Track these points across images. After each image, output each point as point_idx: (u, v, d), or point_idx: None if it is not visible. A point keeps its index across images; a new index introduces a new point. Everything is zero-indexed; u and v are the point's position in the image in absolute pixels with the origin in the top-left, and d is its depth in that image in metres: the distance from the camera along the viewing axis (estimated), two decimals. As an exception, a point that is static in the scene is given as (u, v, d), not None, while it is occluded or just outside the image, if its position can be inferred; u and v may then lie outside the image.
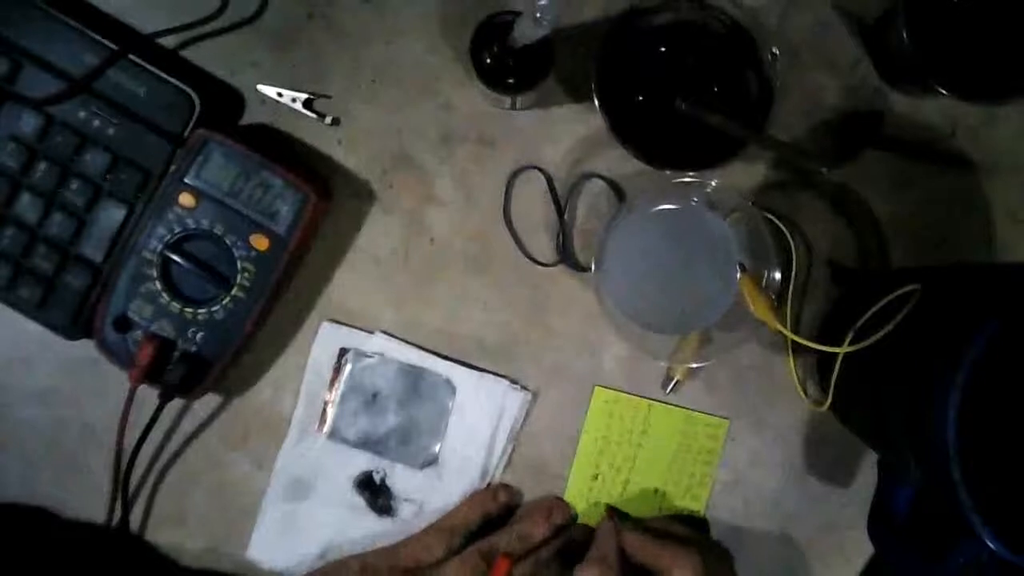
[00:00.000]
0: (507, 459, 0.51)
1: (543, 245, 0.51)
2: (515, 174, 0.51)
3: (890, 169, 0.51)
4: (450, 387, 0.51)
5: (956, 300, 0.41)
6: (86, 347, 0.49)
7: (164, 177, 0.47)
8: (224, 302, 0.47)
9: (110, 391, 0.49)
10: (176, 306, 0.47)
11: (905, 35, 0.44)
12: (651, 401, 0.51)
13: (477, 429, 0.51)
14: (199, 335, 0.48)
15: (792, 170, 0.51)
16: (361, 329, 0.51)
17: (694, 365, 0.50)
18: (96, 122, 0.47)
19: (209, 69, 0.50)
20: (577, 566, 0.45)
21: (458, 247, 0.51)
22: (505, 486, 0.51)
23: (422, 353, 0.51)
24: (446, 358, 0.51)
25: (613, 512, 0.51)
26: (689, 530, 0.50)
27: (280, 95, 0.50)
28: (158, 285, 0.47)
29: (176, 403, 0.50)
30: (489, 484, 0.51)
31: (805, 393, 0.51)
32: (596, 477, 0.51)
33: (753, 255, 0.47)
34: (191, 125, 0.47)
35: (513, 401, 0.51)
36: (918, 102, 0.50)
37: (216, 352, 0.48)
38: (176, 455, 0.52)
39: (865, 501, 0.50)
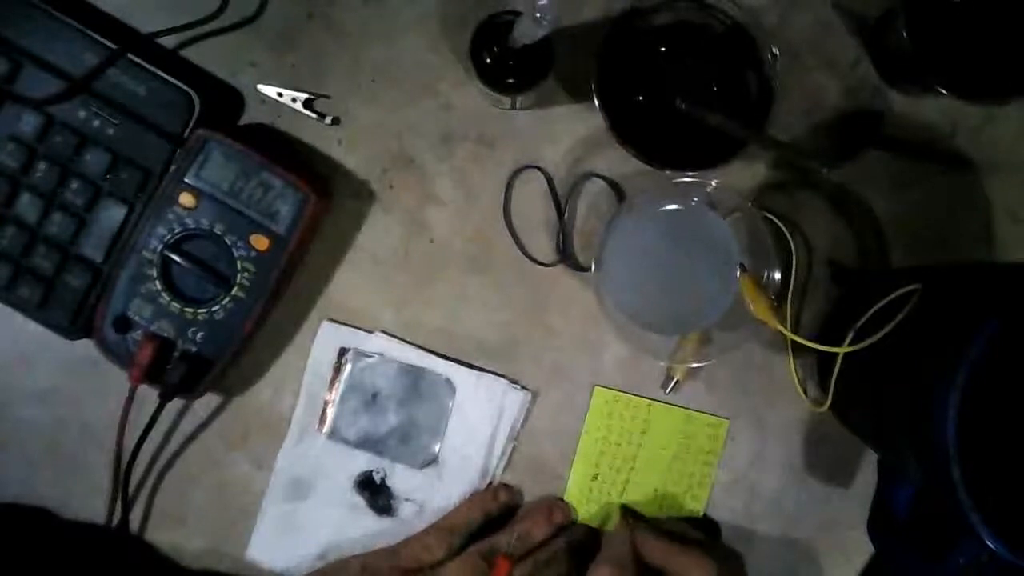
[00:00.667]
0: (507, 459, 0.51)
1: (543, 245, 0.51)
2: (515, 174, 0.51)
3: (890, 169, 0.51)
4: (450, 387, 0.51)
5: (956, 300, 0.41)
6: (86, 347, 0.49)
7: (164, 177, 0.47)
8: (224, 302, 0.47)
9: (110, 391, 0.49)
10: (176, 306, 0.47)
11: (905, 35, 0.44)
12: (651, 401, 0.51)
13: (477, 429, 0.51)
14: (199, 335, 0.48)
15: (792, 170, 0.51)
16: (361, 329, 0.51)
17: (694, 365, 0.50)
18: (96, 122, 0.47)
19: (209, 69, 0.50)
20: (591, 566, 0.45)
21: (458, 247, 0.51)
22: (506, 486, 0.51)
23: (422, 353, 0.51)
24: (446, 358, 0.51)
25: (628, 513, 0.51)
26: (702, 534, 0.50)
27: (280, 95, 0.50)
28: (158, 285, 0.47)
29: (176, 403, 0.50)
30: (490, 484, 0.51)
31: (805, 393, 0.51)
32: (596, 477, 0.51)
33: (753, 255, 0.47)
34: (191, 125, 0.47)
35: (513, 401, 0.51)
36: (918, 102, 0.50)
37: (216, 352, 0.48)
38: (176, 455, 0.52)
39: (865, 501, 0.50)
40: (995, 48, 0.45)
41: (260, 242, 0.47)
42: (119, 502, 0.50)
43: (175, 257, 0.47)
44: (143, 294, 0.47)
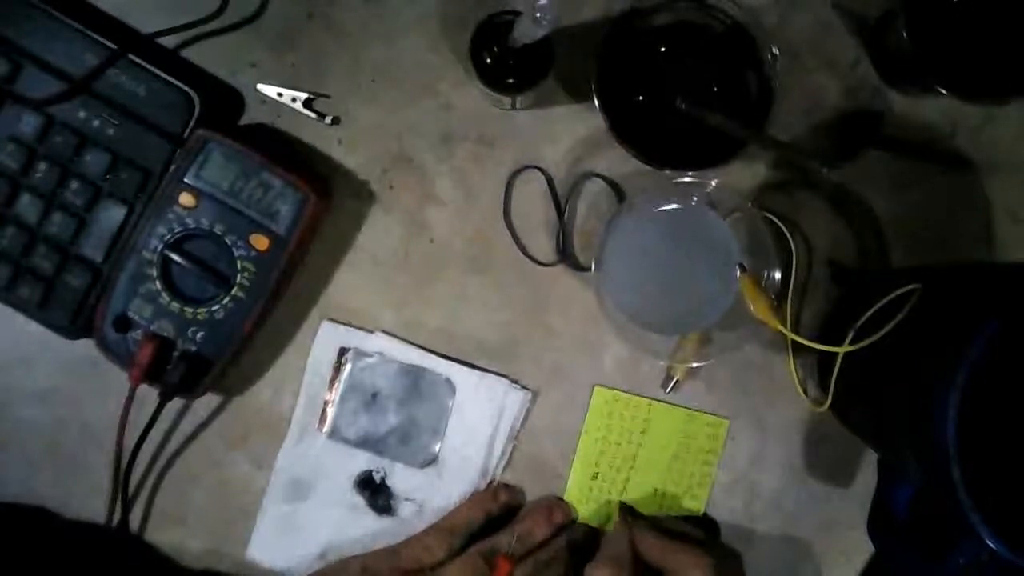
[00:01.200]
0: (507, 459, 0.51)
1: (543, 245, 0.51)
2: (515, 174, 0.51)
3: (890, 169, 0.51)
4: (450, 386, 0.51)
5: (956, 300, 0.41)
6: (86, 347, 0.49)
7: (164, 177, 0.47)
8: (224, 302, 0.47)
9: (110, 391, 0.49)
10: (176, 306, 0.47)
11: (905, 35, 0.44)
12: (651, 401, 0.51)
13: (477, 429, 0.51)
14: (199, 335, 0.48)
15: (792, 170, 0.51)
16: (361, 329, 0.51)
17: (694, 365, 0.50)
18: (96, 122, 0.47)
19: (209, 69, 0.50)
20: (589, 564, 0.45)
21: (458, 247, 0.51)
22: (506, 486, 0.51)
23: (422, 352, 0.51)
24: (446, 357, 0.51)
25: (626, 510, 0.51)
26: (702, 533, 0.50)
27: (280, 95, 0.50)
28: (158, 285, 0.47)
29: (176, 403, 0.50)
30: (490, 484, 0.51)
31: (805, 393, 0.51)
32: (596, 477, 0.51)
33: (753, 255, 0.47)
34: (191, 125, 0.47)
35: (513, 401, 0.51)
36: (918, 102, 0.50)
37: (216, 352, 0.48)
38: (176, 455, 0.52)
39: (865, 501, 0.50)
40: (995, 48, 0.45)
41: (260, 242, 0.47)
42: (119, 502, 0.50)
43: (175, 257, 0.47)
44: (143, 294, 0.47)
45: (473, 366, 0.51)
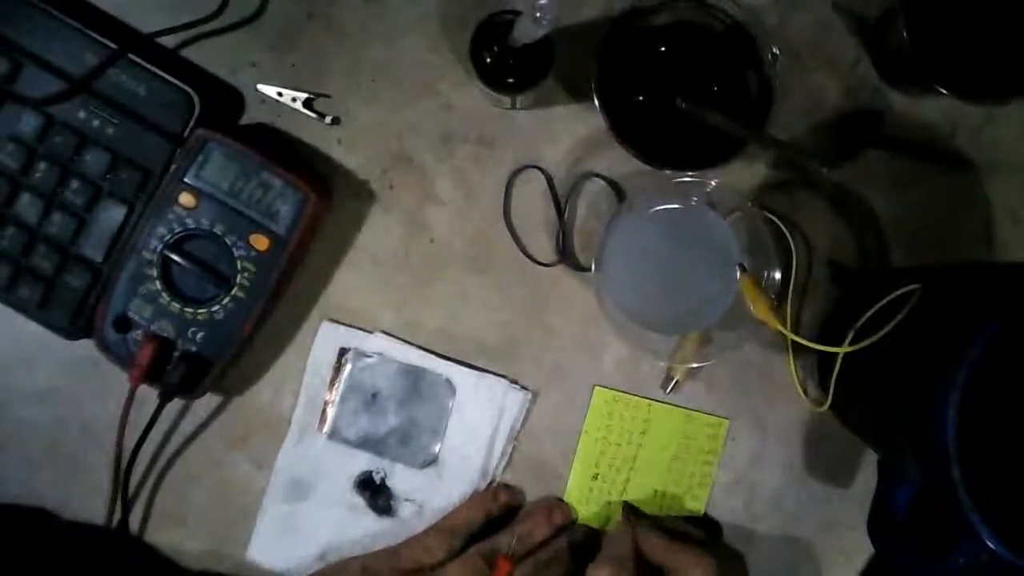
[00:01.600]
0: (507, 459, 0.51)
1: (543, 245, 0.51)
2: (515, 174, 0.51)
3: (890, 169, 0.51)
4: (450, 387, 0.51)
5: (956, 300, 0.41)
6: (86, 347, 0.49)
7: (164, 177, 0.47)
8: (224, 302, 0.47)
9: (110, 391, 0.49)
10: (176, 306, 0.47)
11: (905, 35, 0.44)
12: (651, 401, 0.51)
13: (477, 429, 0.51)
14: (199, 335, 0.48)
15: (792, 170, 0.51)
16: (361, 329, 0.51)
17: (694, 365, 0.50)
18: (96, 122, 0.47)
19: (209, 69, 0.50)
20: (591, 565, 0.45)
21: (458, 247, 0.51)
22: (506, 486, 0.51)
23: (422, 353, 0.51)
24: (446, 358, 0.51)
25: (629, 510, 0.51)
26: (702, 532, 0.50)
27: (280, 95, 0.50)
28: (158, 285, 0.47)
29: (176, 403, 0.50)
30: (490, 484, 0.51)
31: (805, 393, 0.51)
32: (596, 477, 0.51)
33: (753, 255, 0.47)
34: (191, 125, 0.47)
35: (513, 401, 0.51)
36: (918, 102, 0.50)
37: (216, 352, 0.48)
38: (176, 455, 0.51)
39: (865, 501, 0.50)
40: (995, 48, 0.45)
41: (260, 242, 0.47)
42: (119, 502, 0.50)
43: (175, 257, 0.47)
44: (143, 294, 0.47)
45: (473, 366, 0.51)
